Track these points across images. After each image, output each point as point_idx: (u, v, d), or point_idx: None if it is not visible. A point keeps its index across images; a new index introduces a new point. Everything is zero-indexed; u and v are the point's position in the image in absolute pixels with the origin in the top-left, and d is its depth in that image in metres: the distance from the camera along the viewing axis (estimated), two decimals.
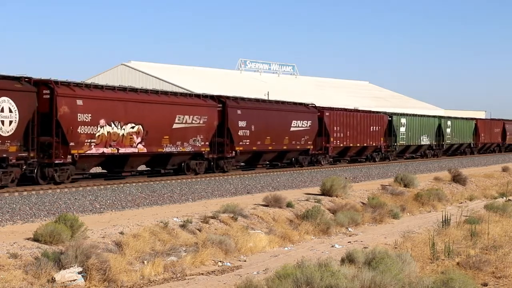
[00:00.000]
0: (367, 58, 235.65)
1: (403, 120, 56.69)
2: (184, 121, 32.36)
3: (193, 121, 32.92)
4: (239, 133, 36.12)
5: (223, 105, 35.39)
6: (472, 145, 71.07)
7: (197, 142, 33.12)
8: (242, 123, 36.35)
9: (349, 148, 48.72)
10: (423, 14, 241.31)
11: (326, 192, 27.80)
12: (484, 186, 40.38)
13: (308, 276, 12.34)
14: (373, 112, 54.39)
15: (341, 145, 47.13)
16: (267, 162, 41.25)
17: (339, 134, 46.70)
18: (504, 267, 16.65)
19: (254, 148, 37.57)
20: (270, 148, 39.13)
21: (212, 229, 19.55)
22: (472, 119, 73.70)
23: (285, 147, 40.61)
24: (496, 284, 15.50)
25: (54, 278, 13.85)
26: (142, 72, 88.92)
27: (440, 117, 65.91)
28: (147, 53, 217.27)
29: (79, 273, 14.18)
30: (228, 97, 36.54)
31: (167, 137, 31.38)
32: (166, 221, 18.67)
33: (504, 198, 34.84)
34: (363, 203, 27.90)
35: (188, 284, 15.43)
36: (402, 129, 56.05)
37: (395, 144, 55.11)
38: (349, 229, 24.01)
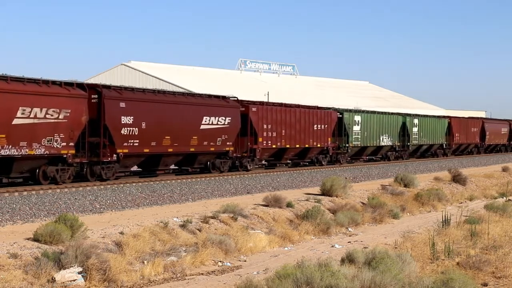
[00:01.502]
0: (367, 58, 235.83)
1: (357, 118, 49.27)
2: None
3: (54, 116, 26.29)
4: (122, 132, 29.30)
5: (99, 95, 28.67)
6: (444, 146, 64.47)
7: (56, 144, 26.28)
8: (127, 119, 29.57)
9: (285, 150, 41.12)
10: (423, 14, 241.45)
11: (326, 192, 27.79)
12: (484, 186, 40.36)
13: (308, 276, 12.34)
14: (319, 108, 46.26)
15: (274, 146, 39.67)
16: (173, 167, 34.99)
17: (271, 134, 39.28)
18: (504, 267, 16.64)
19: (146, 150, 30.57)
20: (170, 150, 31.96)
21: (212, 229, 19.54)
22: (445, 117, 67.26)
23: (192, 149, 33.40)
24: (496, 284, 15.50)
25: (54, 278, 13.85)
26: (142, 72, 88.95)
27: (405, 115, 58.35)
28: (147, 53, 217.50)
29: (79, 273, 14.17)
30: (106, 86, 29.66)
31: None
32: (166, 221, 18.67)
33: (504, 198, 34.83)
34: (363, 203, 27.89)
35: (188, 284, 15.43)
36: (356, 128, 48.89)
37: (347, 145, 47.63)
38: (349, 229, 24.01)
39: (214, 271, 16.72)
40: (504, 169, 48.73)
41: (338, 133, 47.51)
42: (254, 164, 38.52)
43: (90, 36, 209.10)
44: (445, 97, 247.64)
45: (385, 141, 53.18)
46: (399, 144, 55.52)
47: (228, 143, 35.78)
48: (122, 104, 29.32)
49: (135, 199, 24.51)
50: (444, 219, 22.48)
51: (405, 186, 33.08)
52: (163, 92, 33.09)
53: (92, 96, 28.41)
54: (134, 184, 28.41)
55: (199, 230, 19.14)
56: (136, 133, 29.92)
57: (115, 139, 28.85)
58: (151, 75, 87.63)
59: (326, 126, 44.86)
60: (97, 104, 28.49)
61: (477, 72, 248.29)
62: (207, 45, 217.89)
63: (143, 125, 30.19)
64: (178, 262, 16.62)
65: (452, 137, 65.15)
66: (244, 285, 12.85)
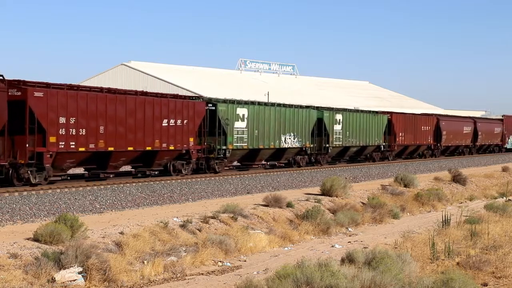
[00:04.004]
0: (367, 58, 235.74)
1: (242, 112, 37.27)
2: None
3: None
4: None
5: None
6: (382, 148, 52.99)
7: None
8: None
9: (109, 155, 28.80)
10: (423, 14, 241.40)
11: (326, 192, 27.79)
12: (484, 186, 40.39)
13: (308, 276, 12.34)
14: (176, 96, 34.19)
15: (83, 149, 27.19)
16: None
17: (76, 131, 26.93)
18: (504, 267, 16.65)
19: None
20: None
21: (212, 229, 19.55)
22: (385, 113, 55.59)
23: None
24: (496, 284, 15.50)
25: (54, 278, 13.85)
26: (142, 72, 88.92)
27: (322, 109, 46.28)
28: (147, 53, 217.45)
29: (79, 273, 14.18)
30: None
31: None
32: (166, 221, 18.67)
33: (504, 198, 34.85)
34: (363, 203, 27.89)
35: (188, 284, 15.43)
36: (241, 125, 36.92)
37: (224, 147, 35.63)
38: (349, 229, 24.01)
39: (214, 271, 16.72)
40: (504, 169, 48.73)
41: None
42: (43, 178, 25.78)
43: (90, 36, 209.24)
44: (446, 97, 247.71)
45: (289, 141, 41.39)
46: (311, 146, 43.55)
47: None
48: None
49: (135, 199, 24.51)
50: (444, 219, 22.48)
51: (405, 186, 33.09)
52: None
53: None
54: (134, 184, 28.41)
55: (199, 230, 19.14)
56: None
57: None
58: (151, 75, 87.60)
59: (186, 121, 32.76)
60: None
61: (477, 72, 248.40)
62: (207, 45, 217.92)
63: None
64: (178, 262, 16.62)
65: (393, 137, 54.23)
66: (244, 285, 12.85)
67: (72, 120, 26.66)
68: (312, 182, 33.88)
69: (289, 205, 23.99)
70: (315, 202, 25.56)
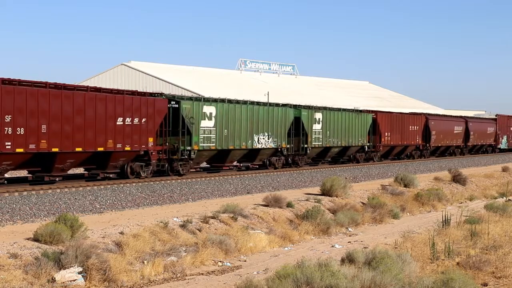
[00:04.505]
0: (367, 58, 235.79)
1: (209, 110, 34.36)
2: None
3: None
4: None
5: None
6: (367, 149, 50.41)
7: None
8: None
9: (54, 156, 25.96)
10: (423, 14, 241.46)
11: (326, 192, 27.79)
12: (484, 186, 40.39)
13: (308, 276, 12.34)
14: (133, 93, 30.66)
15: (21, 150, 24.38)
16: None
17: (4, 130, 23.82)
18: (504, 267, 16.65)
19: None
20: None
21: (212, 229, 19.55)
22: (369, 111, 53.03)
23: None
24: (496, 284, 15.50)
25: (54, 278, 13.86)
26: (142, 72, 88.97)
27: (301, 108, 43.38)
28: (147, 53, 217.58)
29: (79, 273, 14.18)
30: None
31: None
32: (166, 221, 18.67)
33: (504, 198, 34.85)
34: (363, 203, 27.89)
35: (188, 284, 15.43)
36: (208, 124, 34.04)
37: (189, 148, 32.79)
38: (349, 229, 24.01)
39: (214, 271, 16.72)
40: (504, 169, 48.74)
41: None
42: None
43: (90, 36, 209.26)
44: (446, 97, 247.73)
45: (263, 141, 38.41)
46: (288, 146, 40.85)
47: None
48: None
49: (135, 199, 24.51)
50: (444, 219, 22.48)
51: (405, 186, 33.09)
52: None
53: None
54: (134, 184, 28.40)
55: (199, 230, 19.14)
56: None
57: None
58: (151, 75, 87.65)
59: (145, 120, 30.06)
60: None
61: (477, 72, 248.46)
62: (207, 45, 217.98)
63: None
64: (178, 262, 16.62)
65: (379, 137, 51.71)
66: (244, 285, 12.86)
67: (8, 118, 23.91)
68: (312, 182, 33.88)
69: (289, 205, 23.99)
70: (315, 202, 25.56)
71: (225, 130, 35.30)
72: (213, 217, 20.40)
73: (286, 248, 20.27)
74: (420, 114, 61.79)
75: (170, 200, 25.11)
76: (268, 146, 38.86)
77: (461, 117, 70.75)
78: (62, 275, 13.95)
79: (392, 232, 23.44)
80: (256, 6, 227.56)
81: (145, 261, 16.04)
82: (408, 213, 29.10)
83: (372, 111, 53.34)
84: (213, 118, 34.45)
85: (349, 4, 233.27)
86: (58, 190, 25.00)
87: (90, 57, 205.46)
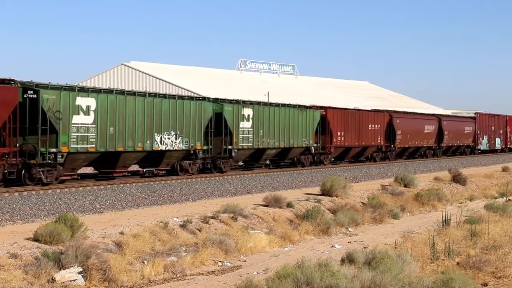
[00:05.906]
0: (367, 58, 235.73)
1: (86, 103, 27.60)
2: None
3: None
4: None
5: None
6: (313, 150, 43.69)
7: None
8: None
9: None
10: (423, 14, 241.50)
11: (326, 192, 27.79)
12: (484, 186, 40.40)
13: (308, 276, 12.35)
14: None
15: None
16: None
17: None
18: (504, 267, 16.65)
19: None
20: None
21: (212, 229, 19.55)
22: (317, 107, 45.86)
23: None
24: (496, 284, 15.50)
25: (54, 278, 13.86)
26: (142, 72, 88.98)
27: (225, 102, 36.59)
28: (147, 53, 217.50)
29: (79, 273, 14.18)
30: None
31: None
32: (166, 221, 18.68)
33: (504, 198, 34.85)
34: (363, 203, 27.90)
35: (188, 284, 15.43)
36: (85, 120, 27.39)
37: (55, 150, 26.13)
38: (349, 229, 24.02)
39: (214, 271, 16.72)
40: (504, 169, 48.74)
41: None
42: None
43: (90, 36, 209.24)
44: (446, 97, 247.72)
45: (168, 142, 31.77)
46: (205, 148, 34.42)
47: None
48: None
49: (135, 199, 24.52)
50: (444, 219, 22.48)
51: (405, 186, 33.09)
52: None
53: None
54: (134, 184, 28.41)
55: (199, 230, 19.15)
56: None
57: None
58: (151, 75, 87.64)
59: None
60: None
61: (477, 72, 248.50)
62: (207, 45, 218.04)
63: None
64: (178, 262, 16.63)
65: (330, 137, 45.30)
66: (244, 285, 12.86)
67: None
68: (312, 182, 33.90)
69: (289, 205, 23.99)
70: (315, 202, 25.57)
71: (111, 128, 28.49)
72: (213, 217, 20.40)
73: (286, 248, 20.27)
74: (383, 111, 55.93)
75: (170, 200, 25.12)
76: (176, 148, 32.21)
77: (433, 115, 66.23)
78: (62, 275, 13.95)
79: (392, 232, 23.44)
80: (256, 6, 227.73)
81: (145, 261, 16.04)
82: (408, 213, 29.10)
83: (322, 107, 46.53)
84: (91, 113, 27.66)
85: (349, 4, 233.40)
86: (58, 190, 25.02)
87: (90, 57, 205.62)
